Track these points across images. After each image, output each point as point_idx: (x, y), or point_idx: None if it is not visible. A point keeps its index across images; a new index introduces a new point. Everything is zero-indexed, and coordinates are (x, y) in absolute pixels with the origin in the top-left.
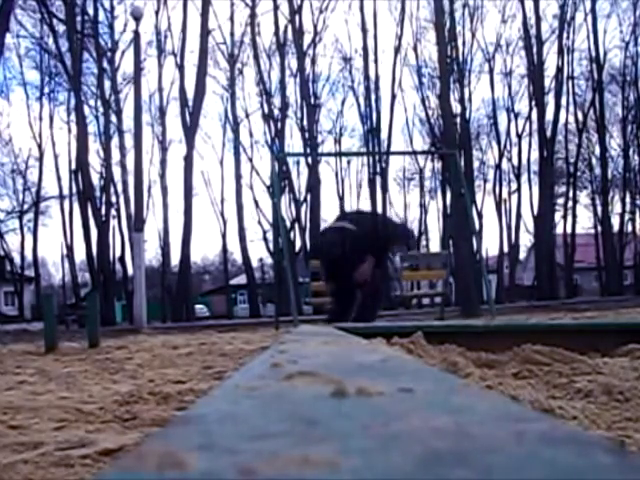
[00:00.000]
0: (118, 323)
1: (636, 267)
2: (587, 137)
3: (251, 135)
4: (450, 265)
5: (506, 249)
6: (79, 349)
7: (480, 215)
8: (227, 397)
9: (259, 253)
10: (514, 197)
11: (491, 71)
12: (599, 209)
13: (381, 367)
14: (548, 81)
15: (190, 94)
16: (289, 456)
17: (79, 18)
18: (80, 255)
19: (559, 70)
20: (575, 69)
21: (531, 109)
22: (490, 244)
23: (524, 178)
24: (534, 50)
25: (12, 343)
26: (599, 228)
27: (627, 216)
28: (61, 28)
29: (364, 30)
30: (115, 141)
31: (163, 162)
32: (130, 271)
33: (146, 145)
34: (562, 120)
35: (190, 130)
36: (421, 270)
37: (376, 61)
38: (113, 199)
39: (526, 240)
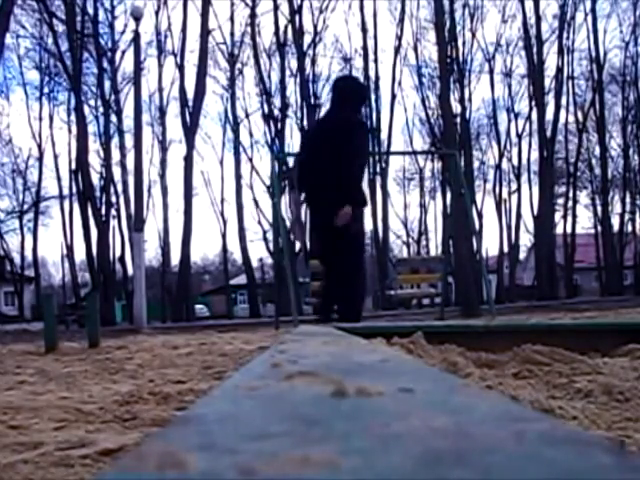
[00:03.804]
0: (118, 323)
1: (636, 267)
2: (587, 137)
3: (251, 135)
4: (450, 266)
5: (506, 249)
6: (79, 349)
7: (480, 215)
8: (227, 397)
9: (259, 253)
10: (514, 197)
11: (491, 71)
12: (599, 209)
13: (381, 367)
14: (548, 81)
15: (190, 94)
16: (289, 456)
17: (79, 18)
18: (80, 255)
19: (559, 70)
20: (575, 69)
21: (531, 109)
22: (490, 244)
23: (524, 178)
24: (534, 50)
25: (12, 343)
26: (599, 228)
27: (627, 216)
28: (61, 28)
29: (364, 30)
30: (115, 141)
31: (163, 162)
32: (130, 271)
33: (146, 145)
34: (562, 120)
35: (190, 130)
36: (420, 273)
37: (376, 61)
38: (113, 199)
39: (526, 240)
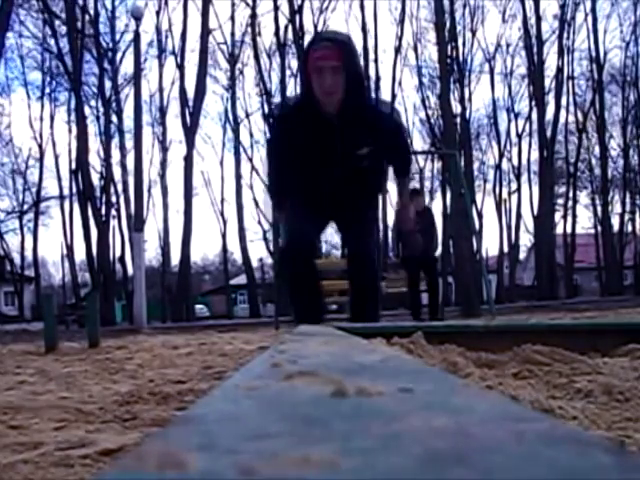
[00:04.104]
0: (118, 323)
1: (636, 267)
2: (587, 137)
3: (251, 135)
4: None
5: (506, 249)
6: (79, 349)
7: (480, 215)
8: (227, 397)
9: (259, 253)
10: (514, 197)
11: (491, 71)
12: (599, 209)
13: (381, 367)
14: (548, 81)
15: (190, 94)
16: (289, 456)
17: (80, 18)
18: (80, 255)
19: (559, 70)
20: (575, 69)
21: (531, 109)
22: (490, 244)
23: (524, 178)
24: (534, 50)
25: (12, 343)
26: (599, 228)
27: (627, 216)
28: (63, 28)
29: (364, 30)
30: (115, 141)
31: (163, 162)
32: (130, 271)
33: (146, 145)
34: (562, 120)
35: (190, 130)
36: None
37: (376, 61)
38: (113, 199)
39: (526, 240)
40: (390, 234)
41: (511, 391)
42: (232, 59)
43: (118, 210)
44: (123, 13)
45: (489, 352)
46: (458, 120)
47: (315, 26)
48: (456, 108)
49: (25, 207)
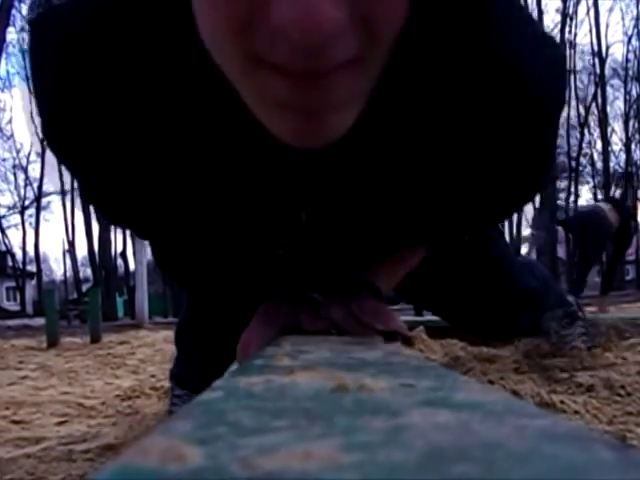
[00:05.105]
0: (120, 318)
1: (638, 262)
2: (589, 131)
3: None
4: None
5: None
6: (81, 344)
7: None
8: (228, 391)
9: None
10: None
11: None
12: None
13: (383, 362)
14: None
15: None
16: (291, 451)
17: None
18: (82, 250)
19: None
20: (577, 63)
21: None
22: None
23: None
24: None
25: (14, 338)
26: None
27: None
28: None
29: None
30: None
31: None
32: (132, 266)
33: None
34: (564, 114)
35: None
36: None
37: None
38: None
39: (527, 234)
40: None
41: (512, 386)
42: None
43: None
44: None
45: (490, 347)
46: None
47: None
48: None
49: (27, 202)
